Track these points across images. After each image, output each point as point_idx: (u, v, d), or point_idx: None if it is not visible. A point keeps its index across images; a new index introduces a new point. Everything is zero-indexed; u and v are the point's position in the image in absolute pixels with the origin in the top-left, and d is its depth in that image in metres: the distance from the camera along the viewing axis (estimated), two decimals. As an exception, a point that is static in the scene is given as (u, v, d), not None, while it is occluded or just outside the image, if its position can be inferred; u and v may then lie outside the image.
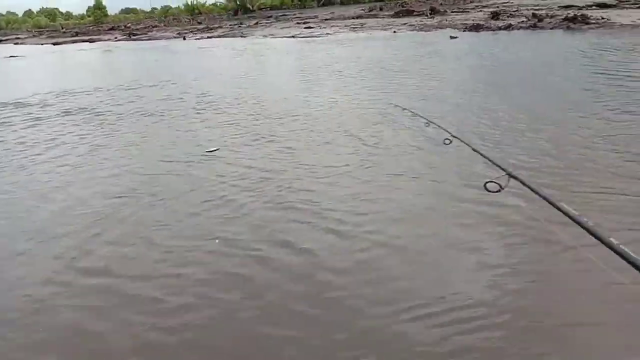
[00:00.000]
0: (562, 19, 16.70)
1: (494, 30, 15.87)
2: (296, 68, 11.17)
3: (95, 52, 21.98)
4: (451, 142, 2.29)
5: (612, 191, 3.14)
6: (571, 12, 17.41)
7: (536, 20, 17.07)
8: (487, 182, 1.50)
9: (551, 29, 15.28)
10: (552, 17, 17.97)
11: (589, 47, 10.27)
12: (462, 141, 2.26)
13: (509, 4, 22.67)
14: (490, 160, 1.72)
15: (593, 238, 1.09)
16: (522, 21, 17.45)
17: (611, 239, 1.03)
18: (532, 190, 1.38)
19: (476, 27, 16.23)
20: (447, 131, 2.42)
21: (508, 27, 16.09)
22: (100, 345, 2.08)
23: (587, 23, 15.43)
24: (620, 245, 1.01)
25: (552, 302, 2.19)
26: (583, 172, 3.50)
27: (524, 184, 1.42)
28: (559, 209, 1.24)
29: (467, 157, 3.38)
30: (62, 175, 4.36)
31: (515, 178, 1.48)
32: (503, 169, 1.55)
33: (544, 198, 1.32)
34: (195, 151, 4.80)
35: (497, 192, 1.47)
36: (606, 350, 1.92)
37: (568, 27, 14.95)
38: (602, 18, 16.53)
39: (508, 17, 19.50)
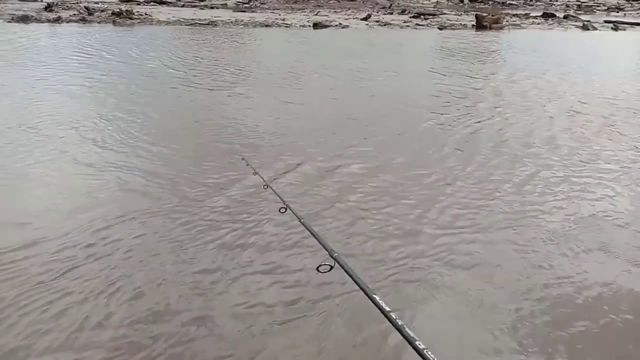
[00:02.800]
0: (111, 13, 18.11)
1: (42, 22, 15.88)
2: None
3: None
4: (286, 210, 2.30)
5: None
6: (119, 8, 19.03)
7: (87, 13, 17.92)
8: (319, 266, 1.58)
9: (99, 22, 16.44)
10: (102, 11, 19.17)
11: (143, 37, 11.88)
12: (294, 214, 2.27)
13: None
14: (319, 241, 1.79)
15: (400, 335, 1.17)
16: (74, 14, 17.99)
17: (417, 342, 1.10)
18: (349, 275, 1.48)
19: (24, 19, 15.86)
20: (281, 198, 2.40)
21: (58, 20, 16.39)
22: None
23: (131, 18, 17.31)
24: (424, 349, 1.08)
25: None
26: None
27: (345, 270, 1.50)
28: (372, 300, 1.32)
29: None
30: None
31: (338, 262, 1.56)
32: (328, 251, 1.62)
33: (358, 284, 1.42)
34: None
35: (328, 271, 1.57)
36: None
37: (114, 22, 16.42)
38: (145, 14, 18.79)
39: (62, 9, 19.64)
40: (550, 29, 18.73)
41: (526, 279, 2.66)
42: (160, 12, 20.65)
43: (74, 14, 18.25)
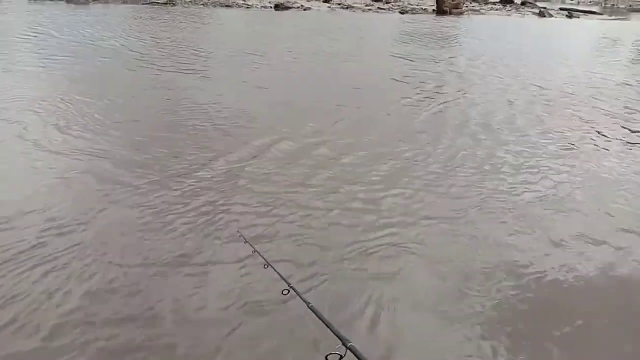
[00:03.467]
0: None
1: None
2: None
3: None
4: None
5: None
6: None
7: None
8: (327, 355, 1.53)
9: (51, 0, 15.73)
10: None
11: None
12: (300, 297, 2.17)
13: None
14: (330, 329, 1.71)
15: None
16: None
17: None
18: None
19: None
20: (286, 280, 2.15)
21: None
22: None
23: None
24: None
25: None
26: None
27: (357, 356, 1.48)
28: None
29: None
30: None
31: (352, 352, 1.52)
32: (341, 339, 1.59)
33: None
34: None
35: None
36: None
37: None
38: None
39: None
40: (508, 15, 19.16)
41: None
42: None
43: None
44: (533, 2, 23.42)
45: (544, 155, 4.35)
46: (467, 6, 20.25)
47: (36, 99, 5.30)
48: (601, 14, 21.06)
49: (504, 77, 7.59)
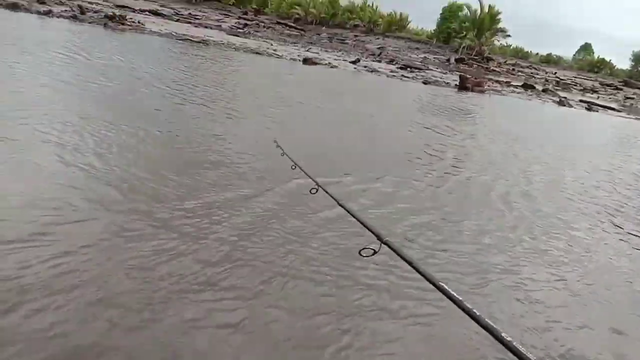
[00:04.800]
0: (104, 15, 17.97)
1: (32, 13, 15.62)
2: None
3: None
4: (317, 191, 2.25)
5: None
6: (113, 12, 18.92)
7: (79, 11, 17.73)
8: (361, 249, 1.52)
9: (90, 23, 16.26)
10: (96, 12, 19.02)
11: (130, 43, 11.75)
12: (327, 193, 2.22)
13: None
14: (363, 224, 1.73)
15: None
16: (66, 10, 17.77)
17: (467, 304, 1.14)
18: (400, 257, 1.44)
19: (13, 6, 15.56)
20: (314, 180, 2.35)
21: (48, 13, 16.15)
22: None
23: (124, 24, 17.20)
24: (474, 310, 1.11)
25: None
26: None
27: (394, 251, 1.47)
28: (420, 273, 1.32)
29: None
30: None
31: (387, 245, 1.51)
32: (375, 234, 1.57)
33: (408, 262, 1.40)
34: None
35: (371, 255, 1.52)
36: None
37: (106, 25, 16.28)
38: (139, 22, 18.72)
39: (55, 3, 19.41)
40: (529, 99, 19.48)
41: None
42: (154, 23, 20.64)
43: (66, 10, 18.03)
44: (554, 91, 23.90)
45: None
46: (489, 85, 20.69)
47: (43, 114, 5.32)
48: (619, 111, 21.37)
49: (518, 158, 7.59)
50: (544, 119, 14.90)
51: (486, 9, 42.26)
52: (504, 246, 3.99)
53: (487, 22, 41.97)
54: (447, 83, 19.35)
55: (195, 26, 25.03)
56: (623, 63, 60.59)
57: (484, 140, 8.65)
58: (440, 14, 53.74)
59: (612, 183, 7.08)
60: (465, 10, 46.69)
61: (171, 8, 34.77)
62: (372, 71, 19.32)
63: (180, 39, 17.11)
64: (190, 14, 32.69)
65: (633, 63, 59.71)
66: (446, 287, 1.23)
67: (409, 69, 22.76)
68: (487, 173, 6.34)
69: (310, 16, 57.10)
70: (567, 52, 72.06)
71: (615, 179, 7.41)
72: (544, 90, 23.27)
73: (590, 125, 15.82)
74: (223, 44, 18.47)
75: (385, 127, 8.57)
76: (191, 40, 17.37)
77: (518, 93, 21.08)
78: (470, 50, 40.80)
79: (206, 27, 25.92)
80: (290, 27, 40.52)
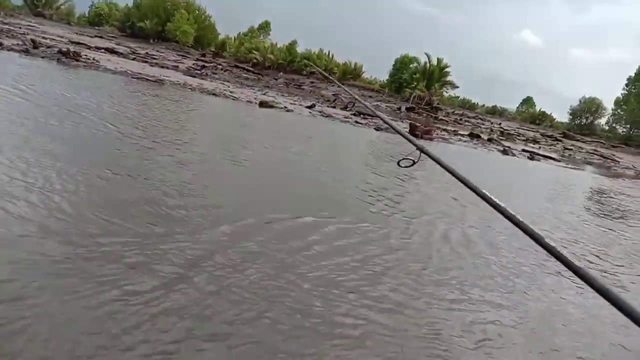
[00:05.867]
0: (57, 51, 17.75)
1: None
2: None
3: None
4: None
5: None
6: (67, 48, 18.75)
7: (32, 45, 17.46)
8: (400, 160, 1.62)
9: (43, 58, 16.01)
10: (49, 47, 18.78)
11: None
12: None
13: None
14: (402, 135, 1.79)
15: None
16: (17, 44, 17.46)
17: (510, 210, 1.17)
18: (439, 163, 1.50)
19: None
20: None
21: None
22: None
23: (78, 60, 17.03)
24: (513, 212, 1.16)
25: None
26: None
27: (432, 158, 1.53)
28: (461, 180, 1.39)
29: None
30: None
31: (426, 153, 1.58)
32: (415, 144, 1.64)
33: (449, 171, 1.47)
34: None
35: (410, 166, 1.59)
36: None
37: (59, 60, 16.07)
38: (93, 59, 18.58)
39: (6, 36, 19.07)
40: (475, 148, 20.39)
41: None
42: (109, 61, 20.52)
43: (18, 44, 17.71)
44: (499, 140, 25.16)
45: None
46: (437, 134, 21.57)
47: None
48: (559, 161, 22.67)
49: (468, 203, 7.92)
50: (489, 166, 15.65)
51: (435, 62, 44.55)
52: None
53: (437, 74, 44.20)
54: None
55: (152, 65, 25.03)
56: (562, 116, 64.70)
57: (428, 187, 8.99)
58: (393, 65, 56.16)
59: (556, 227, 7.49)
60: (416, 63, 49.08)
61: (127, 47, 34.69)
62: (326, 116, 19.79)
63: (135, 77, 17.07)
64: (147, 53, 32.68)
65: (571, 117, 63.88)
66: (486, 192, 1.29)
67: (361, 115, 23.47)
68: (429, 214, 6.59)
69: (268, 61, 58.26)
70: (511, 104, 76.27)
71: (558, 222, 7.84)
72: (489, 140, 24.43)
73: (533, 173, 16.70)
74: (179, 84, 18.53)
75: (331, 174, 8.77)
76: (147, 79, 17.35)
77: (465, 141, 22.03)
78: (420, 100, 42.50)
79: (163, 67, 25.96)
80: (248, 70, 41.12)
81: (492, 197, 1.27)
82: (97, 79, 14.52)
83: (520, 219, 1.14)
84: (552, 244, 1.03)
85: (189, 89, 17.93)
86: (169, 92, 15.26)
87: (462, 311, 3.71)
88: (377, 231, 5.33)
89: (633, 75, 60.66)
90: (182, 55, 40.51)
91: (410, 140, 1.69)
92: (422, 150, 1.60)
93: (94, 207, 4.13)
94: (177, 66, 28.43)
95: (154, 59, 29.71)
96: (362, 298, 3.53)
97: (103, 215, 4.00)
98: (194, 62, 36.23)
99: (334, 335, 2.96)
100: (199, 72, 28.23)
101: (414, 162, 1.58)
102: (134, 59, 25.88)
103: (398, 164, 1.62)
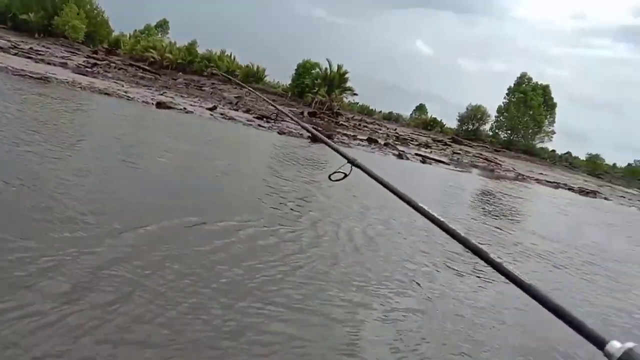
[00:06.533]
0: None
1: None
2: None
3: None
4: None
5: None
6: None
7: None
8: (331, 174, 1.63)
9: None
10: None
11: None
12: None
13: None
14: (336, 151, 1.76)
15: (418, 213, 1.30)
16: None
17: (440, 218, 1.23)
18: (371, 176, 1.54)
19: None
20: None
21: None
22: None
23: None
24: (445, 221, 1.21)
25: None
26: None
27: (365, 171, 1.57)
28: (393, 192, 1.48)
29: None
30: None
31: (358, 166, 1.62)
32: (346, 158, 1.66)
33: (382, 183, 1.54)
34: None
35: (341, 179, 1.63)
36: None
37: None
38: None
39: None
40: (372, 152, 21.26)
41: None
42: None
43: None
44: (394, 145, 26.46)
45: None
46: (337, 138, 22.19)
47: None
48: (448, 164, 24.37)
49: (362, 203, 8.23)
50: (388, 170, 16.41)
51: (335, 69, 45.77)
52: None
53: (337, 80, 45.39)
54: (301, 134, 20.30)
55: (36, 62, 23.05)
56: (451, 122, 69.62)
57: (329, 189, 9.22)
58: (295, 69, 56.78)
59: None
60: (317, 69, 50.08)
61: (9, 40, 31.64)
62: (228, 119, 19.52)
63: (17, 74, 15.60)
64: (31, 48, 30.05)
65: (459, 123, 68.91)
66: (414, 200, 1.36)
67: (265, 119, 23.45)
68: (332, 216, 6.77)
69: (166, 60, 56.19)
70: (406, 111, 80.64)
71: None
72: (385, 144, 25.59)
73: (425, 175, 17.78)
74: (68, 82, 17.24)
75: (231, 179, 8.69)
76: (30, 76, 15.93)
77: (363, 146, 22.88)
78: (321, 105, 43.39)
79: (49, 63, 24.02)
80: (144, 69, 39.36)
81: (419, 203, 1.37)
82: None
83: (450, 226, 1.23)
84: (492, 256, 1.12)
85: (79, 87, 16.75)
86: (56, 91, 14.14)
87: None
88: (286, 233, 5.37)
89: (512, 85, 67.03)
90: (72, 52, 37.77)
91: (342, 154, 1.80)
92: (353, 163, 1.65)
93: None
94: (66, 63, 26.46)
95: (40, 54, 27.41)
96: (268, 294, 3.54)
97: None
98: (85, 59, 33.96)
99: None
100: (90, 70, 26.51)
101: (346, 175, 1.65)
102: (15, 54, 23.68)
103: (329, 177, 1.73)
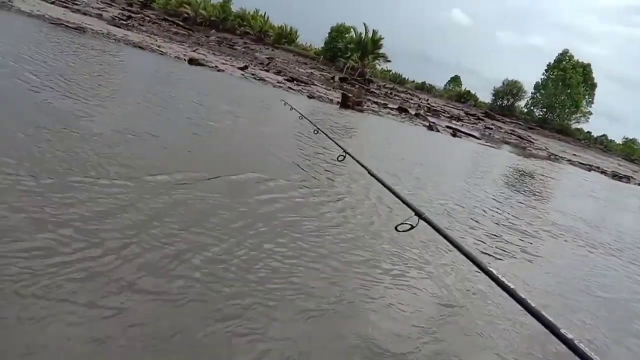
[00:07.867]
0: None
1: None
2: None
3: None
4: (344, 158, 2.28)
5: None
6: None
7: None
8: (397, 225, 1.55)
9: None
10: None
11: None
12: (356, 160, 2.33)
13: None
14: (403, 201, 1.70)
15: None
16: None
17: (496, 274, 1.21)
18: (437, 231, 1.48)
19: None
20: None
21: None
22: None
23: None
24: (500, 276, 1.19)
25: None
26: None
27: (431, 225, 1.50)
28: (459, 249, 1.40)
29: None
30: None
31: (425, 220, 1.55)
32: (414, 210, 1.59)
33: (447, 239, 1.45)
34: None
35: (408, 230, 1.55)
36: None
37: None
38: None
39: None
40: (402, 122, 20.95)
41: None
42: (24, 2, 18.71)
43: None
44: (425, 116, 25.99)
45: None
46: (368, 106, 21.89)
47: None
48: (479, 139, 23.87)
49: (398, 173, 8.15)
50: (416, 140, 16.16)
51: (370, 34, 44.77)
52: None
53: (370, 46, 44.45)
54: (330, 99, 20.10)
55: (73, 11, 23.17)
56: (485, 97, 67.92)
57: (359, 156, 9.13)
58: (329, 32, 55.80)
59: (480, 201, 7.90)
60: (352, 33, 49.05)
61: (45, -12, 31.79)
62: (259, 79, 19.42)
63: (53, 23, 15.72)
64: (67, -3, 30.17)
65: (494, 97, 67.15)
66: (487, 265, 1.31)
67: (295, 82, 23.25)
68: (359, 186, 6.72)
69: (200, 17, 55.92)
70: (439, 82, 78.81)
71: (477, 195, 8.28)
72: (416, 115, 25.17)
73: (454, 149, 17.48)
74: (102, 33, 17.33)
75: (261, 139, 8.68)
76: (66, 25, 16.04)
77: (393, 115, 22.56)
78: (353, 71, 42.79)
79: (85, 13, 24.13)
80: (178, 25, 39.25)
81: (491, 269, 1.32)
82: (8, 21, 13.22)
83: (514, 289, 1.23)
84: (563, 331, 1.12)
85: (113, 39, 16.83)
86: (91, 42, 14.23)
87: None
88: (306, 187, 5.37)
89: (552, 62, 64.60)
90: (107, 3, 37.80)
91: (408, 206, 1.69)
92: (420, 216, 1.58)
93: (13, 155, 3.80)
94: (101, 14, 26.57)
95: (76, 4, 27.51)
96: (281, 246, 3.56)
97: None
98: (120, 11, 34.02)
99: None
100: (124, 22, 26.59)
101: (412, 227, 1.57)
102: (52, 3, 23.81)
103: (395, 228, 1.62)
